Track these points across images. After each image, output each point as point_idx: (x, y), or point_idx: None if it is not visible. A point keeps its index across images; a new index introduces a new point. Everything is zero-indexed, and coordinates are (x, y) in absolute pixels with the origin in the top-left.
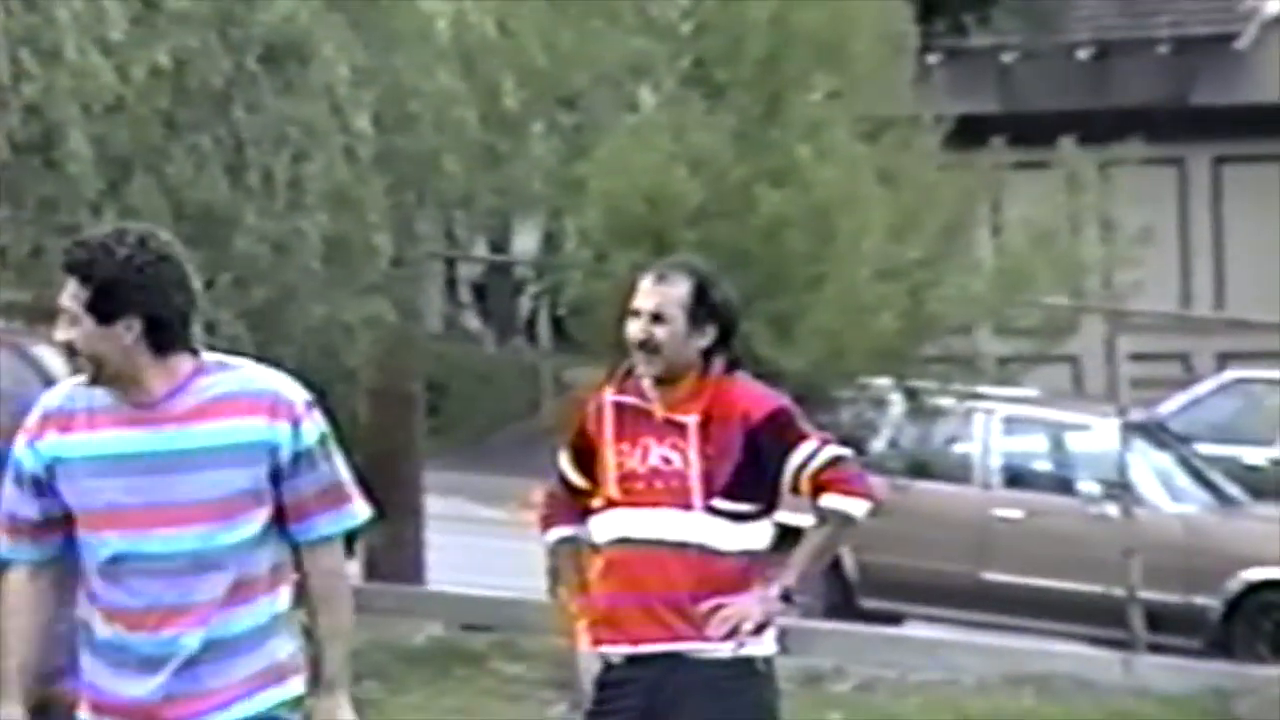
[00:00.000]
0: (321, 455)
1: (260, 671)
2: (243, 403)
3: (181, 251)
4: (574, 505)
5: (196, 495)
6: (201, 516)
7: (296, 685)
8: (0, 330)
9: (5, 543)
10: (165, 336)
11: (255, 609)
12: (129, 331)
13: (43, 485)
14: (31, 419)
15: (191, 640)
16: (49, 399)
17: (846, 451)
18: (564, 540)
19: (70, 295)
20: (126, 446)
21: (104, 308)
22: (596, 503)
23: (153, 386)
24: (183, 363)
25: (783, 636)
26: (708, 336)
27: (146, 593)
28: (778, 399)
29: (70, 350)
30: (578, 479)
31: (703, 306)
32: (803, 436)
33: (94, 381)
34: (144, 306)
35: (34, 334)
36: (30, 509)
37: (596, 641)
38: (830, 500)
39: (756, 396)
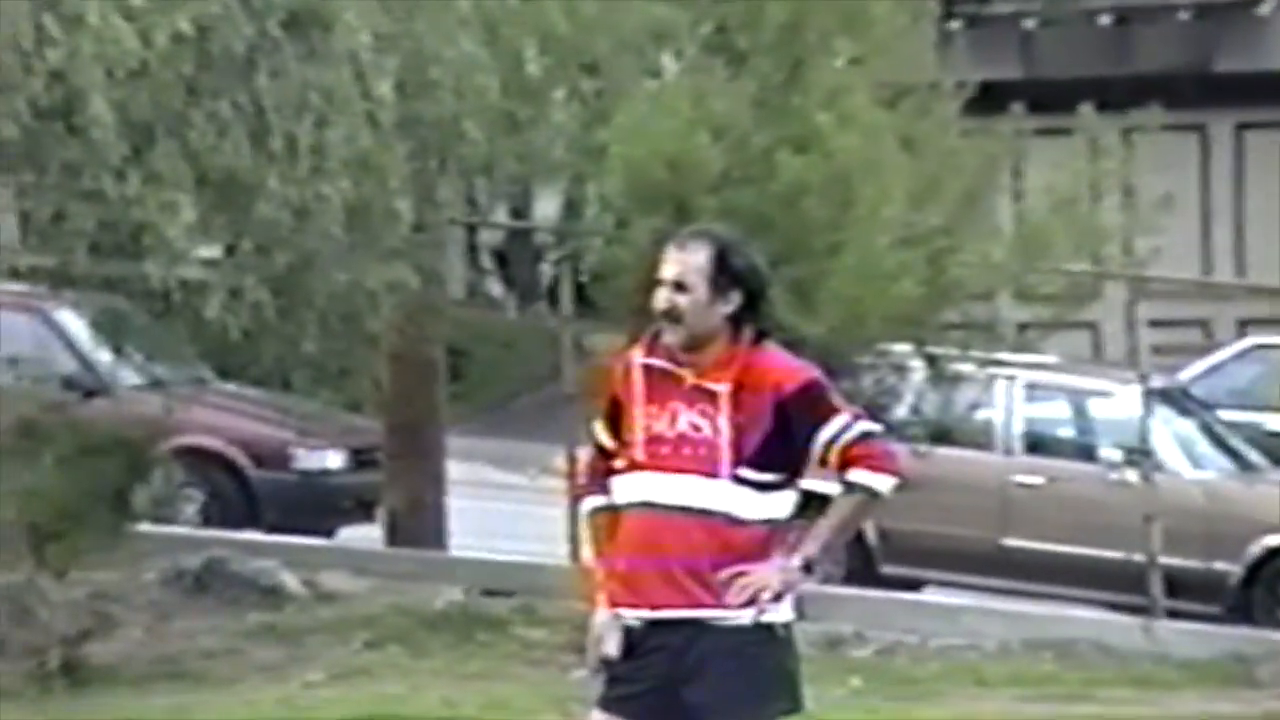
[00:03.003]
0: None
1: None
2: None
3: None
4: (608, 472)
5: None
6: None
7: None
8: (23, 294)
9: None
10: None
11: None
12: None
13: None
14: None
15: None
16: None
17: (876, 427)
18: (599, 509)
19: None
20: None
21: None
22: (620, 464)
23: None
24: None
25: (801, 602)
26: (732, 303)
27: None
28: (810, 371)
29: None
30: (610, 442)
31: (724, 273)
32: (834, 410)
33: None
34: None
35: (57, 299)
36: None
37: (613, 603)
38: (858, 475)
39: (789, 368)
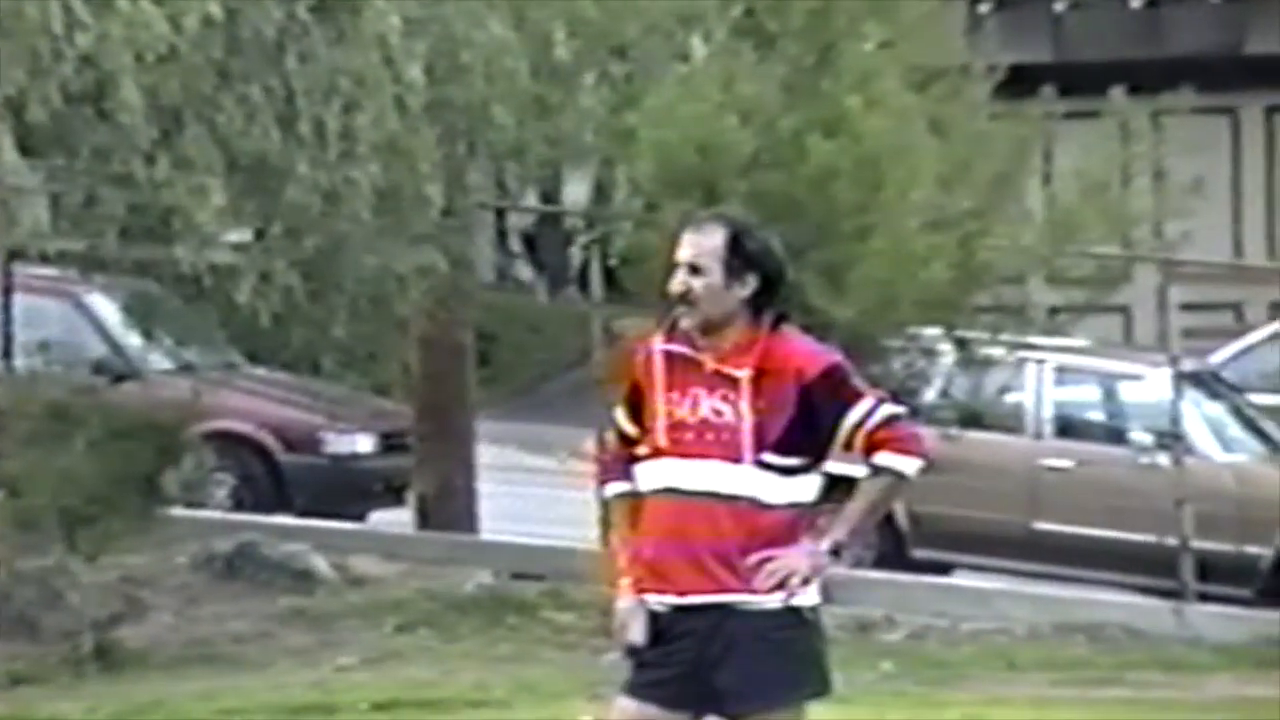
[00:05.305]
0: None
1: None
2: None
3: None
4: (630, 458)
5: None
6: None
7: None
8: (54, 279)
9: None
10: None
11: None
12: None
13: None
14: None
15: None
16: None
17: (902, 409)
18: (621, 495)
19: None
20: None
21: None
22: (643, 450)
23: None
24: None
25: (827, 586)
26: (748, 287)
27: None
28: (831, 355)
29: None
30: (631, 429)
31: (739, 256)
32: (858, 394)
33: None
34: None
35: (87, 283)
36: None
37: (640, 589)
38: (884, 458)
39: (810, 352)
